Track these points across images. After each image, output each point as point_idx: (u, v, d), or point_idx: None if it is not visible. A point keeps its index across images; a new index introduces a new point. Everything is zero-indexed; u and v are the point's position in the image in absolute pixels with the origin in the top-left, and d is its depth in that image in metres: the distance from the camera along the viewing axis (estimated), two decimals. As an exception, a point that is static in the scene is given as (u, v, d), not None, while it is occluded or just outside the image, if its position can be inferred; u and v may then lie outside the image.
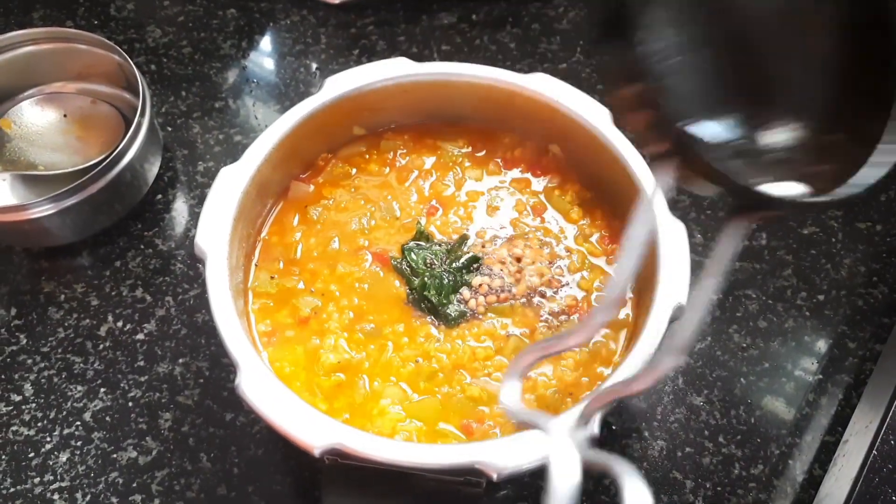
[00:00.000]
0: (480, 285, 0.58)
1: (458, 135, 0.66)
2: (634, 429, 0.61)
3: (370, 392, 0.53)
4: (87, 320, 0.66)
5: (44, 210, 0.63)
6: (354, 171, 0.64)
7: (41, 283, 0.68)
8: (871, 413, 0.58)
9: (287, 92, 0.81)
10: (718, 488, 0.59)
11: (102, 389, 0.63)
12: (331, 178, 0.64)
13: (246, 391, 0.47)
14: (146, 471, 0.59)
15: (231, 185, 0.56)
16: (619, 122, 0.59)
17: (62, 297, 0.67)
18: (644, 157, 0.57)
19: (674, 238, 0.53)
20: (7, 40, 0.72)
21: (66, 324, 0.66)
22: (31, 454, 0.60)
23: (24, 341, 0.65)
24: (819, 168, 0.35)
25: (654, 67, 0.32)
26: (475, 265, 0.59)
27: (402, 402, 0.53)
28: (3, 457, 0.59)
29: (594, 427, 0.45)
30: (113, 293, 0.67)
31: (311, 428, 0.46)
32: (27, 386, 0.63)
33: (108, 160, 0.65)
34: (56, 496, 0.58)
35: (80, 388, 0.63)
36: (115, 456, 0.60)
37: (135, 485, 0.58)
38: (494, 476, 0.45)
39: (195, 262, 0.69)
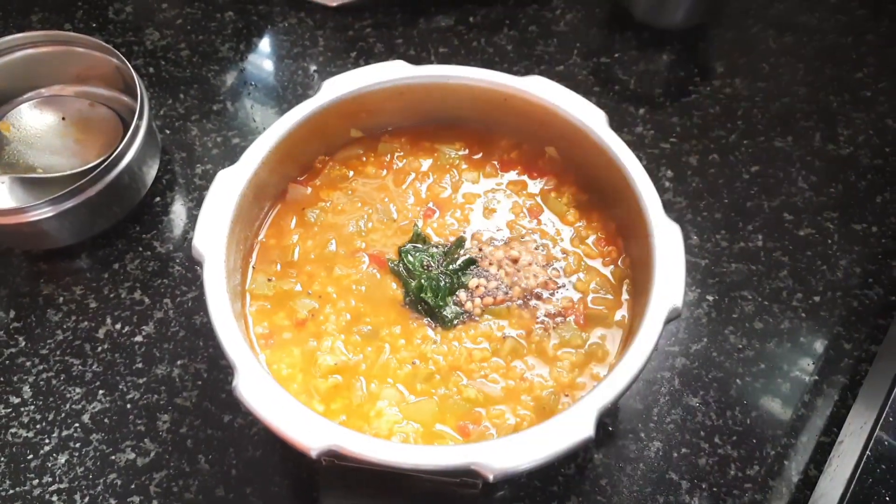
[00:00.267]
0: (477, 287, 0.58)
1: (454, 137, 0.66)
2: (631, 430, 0.61)
3: (367, 394, 0.54)
4: (86, 322, 0.66)
5: (42, 213, 0.63)
6: (351, 173, 0.64)
7: (40, 286, 0.68)
8: (867, 414, 0.58)
9: (285, 94, 0.82)
10: (714, 489, 0.59)
11: (101, 391, 0.63)
12: (328, 180, 0.64)
13: (243, 393, 0.48)
14: (144, 472, 0.59)
15: (228, 188, 0.56)
16: (614, 125, 0.60)
17: (61, 299, 0.67)
18: (641, 159, 0.58)
19: (669, 240, 0.53)
20: (6, 43, 0.72)
21: (64, 326, 0.66)
22: (30, 456, 0.60)
23: (23, 343, 0.65)
24: None
25: None
26: (472, 267, 0.59)
27: (399, 404, 0.53)
28: (2, 459, 0.60)
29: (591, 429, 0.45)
30: (111, 295, 0.68)
31: (309, 430, 0.46)
32: (26, 388, 0.63)
33: (106, 163, 0.65)
34: (55, 498, 0.58)
35: (78, 390, 0.63)
36: (113, 457, 0.60)
37: (133, 486, 0.59)
38: (490, 477, 0.45)
39: (193, 265, 0.69)
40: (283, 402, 0.47)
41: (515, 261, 0.59)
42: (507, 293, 0.58)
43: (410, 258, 0.59)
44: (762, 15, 0.88)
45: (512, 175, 0.64)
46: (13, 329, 0.66)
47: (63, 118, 0.74)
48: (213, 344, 0.62)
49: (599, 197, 0.62)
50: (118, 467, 0.59)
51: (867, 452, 0.52)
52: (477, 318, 0.57)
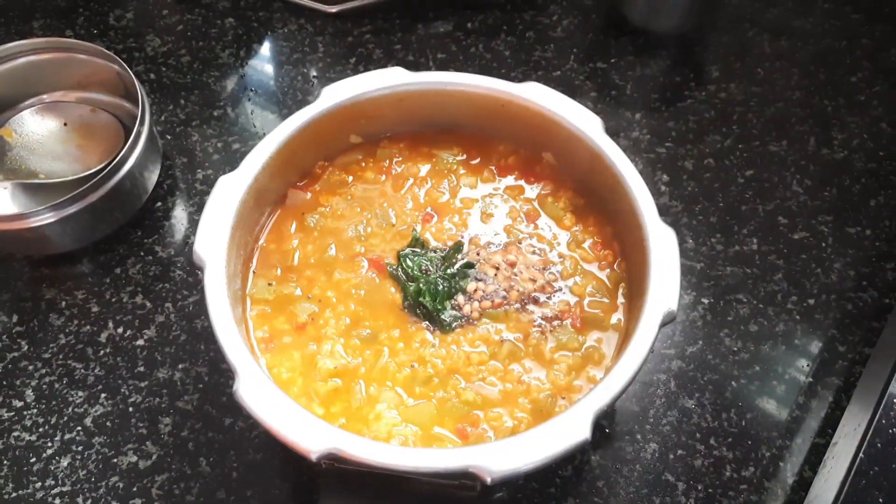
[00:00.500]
0: (475, 291, 0.59)
1: (452, 143, 0.66)
2: (627, 432, 0.62)
3: (366, 397, 0.54)
4: (88, 327, 0.67)
5: (44, 219, 0.64)
6: (351, 178, 0.65)
7: (42, 291, 0.69)
8: (860, 415, 0.58)
9: (285, 100, 0.82)
10: (710, 490, 0.60)
11: (103, 395, 0.63)
12: (328, 185, 0.64)
13: (244, 397, 0.48)
14: (146, 475, 0.60)
15: (229, 193, 0.57)
16: (610, 129, 0.60)
17: (63, 303, 0.68)
18: (637, 164, 0.58)
19: (664, 244, 0.54)
20: (7, 50, 0.73)
21: (66, 330, 0.67)
22: (33, 459, 0.60)
23: (26, 348, 0.66)
24: None
25: None
26: (470, 271, 0.60)
27: (398, 407, 0.54)
28: (5, 462, 0.60)
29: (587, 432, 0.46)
30: (113, 300, 0.68)
31: (308, 433, 0.47)
32: (28, 392, 0.64)
33: (107, 168, 0.66)
34: (57, 501, 0.59)
35: (80, 393, 0.63)
36: (115, 461, 0.60)
37: (135, 489, 0.59)
38: (488, 480, 0.45)
39: (194, 269, 0.70)
40: (284, 405, 0.48)
41: (513, 265, 0.60)
42: (504, 297, 0.59)
43: (409, 262, 0.60)
44: (757, 20, 0.89)
45: (509, 180, 0.65)
46: (16, 333, 0.66)
47: (65, 124, 0.75)
48: (214, 348, 0.63)
49: (596, 201, 0.63)
50: (120, 470, 0.60)
51: (860, 454, 0.52)
52: (475, 322, 0.58)
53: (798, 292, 0.70)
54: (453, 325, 0.57)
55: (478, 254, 0.61)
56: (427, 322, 0.58)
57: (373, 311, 0.58)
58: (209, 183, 0.75)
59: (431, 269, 0.60)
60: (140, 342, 0.66)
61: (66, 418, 0.62)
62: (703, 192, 0.76)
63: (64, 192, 0.64)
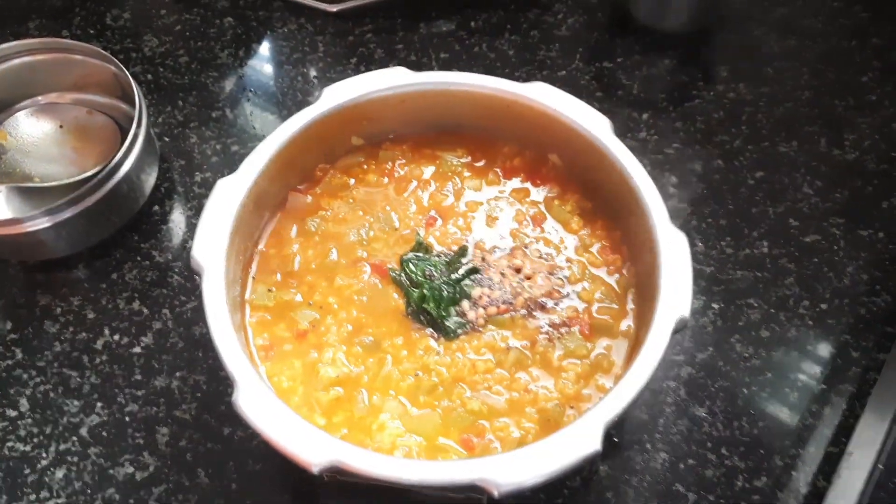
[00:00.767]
0: (480, 297, 0.57)
1: (456, 144, 0.65)
2: (636, 441, 0.61)
3: (369, 406, 0.53)
4: (84, 334, 0.65)
5: (39, 223, 0.63)
6: (353, 181, 0.64)
7: (37, 297, 0.67)
8: (876, 424, 0.57)
9: (285, 101, 0.81)
10: (722, 501, 0.58)
11: (99, 404, 0.62)
12: (329, 188, 0.63)
13: (243, 407, 0.47)
14: (143, 486, 0.58)
15: (228, 197, 0.55)
16: (617, 130, 0.59)
17: (58, 310, 0.67)
18: (644, 165, 0.57)
19: (675, 249, 0.53)
20: (2, 51, 0.72)
21: (62, 337, 0.65)
22: (27, 470, 0.59)
23: (20, 355, 0.64)
24: None
25: None
26: (475, 276, 0.58)
27: (402, 417, 0.52)
28: (-1, 473, 0.59)
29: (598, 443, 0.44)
30: (109, 306, 0.67)
31: (310, 445, 0.46)
32: (23, 401, 0.62)
33: (104, 171, 0.64)
34: (52, 513, 0.57)
35: (76, 402, 0.62)
36: (111, 472, 0.59)
37: (132, 501, 0.58)
38: (496, 493, 0.44)
39: (192, 274, 0.68)
40: (284, 416, 0.47)
41: (519, 270, 0.59)
42: (510, 303, 0.57)
43: (412, 267, 0.59)
44: (765, 19, 0.88)
45: (515, 183, 0.64)
46: (10, 341, 0.65)
47: (60, 126, 0.73)
48: (213, 355, 0.61)
49: (604, 204, 0.61)
50: (116, 481, 0.58)
51: (878, 465, 0.51)
52: (480, 329, 0.56)
53: (810, 296, 0.68)
54: (458, 332, 0.56)
55: (483, 258, 0.59)
56: (431, 329, 0.56)
57: (375, 318, 0.57)
58: (208, 186, 0.74)
59: (435, 274, 0.59)
60: (137, 350, 0.65)
61: (61, 428, 0.61)
62: (712, 194, 0.74)
63: (59, 196, 0.63)
